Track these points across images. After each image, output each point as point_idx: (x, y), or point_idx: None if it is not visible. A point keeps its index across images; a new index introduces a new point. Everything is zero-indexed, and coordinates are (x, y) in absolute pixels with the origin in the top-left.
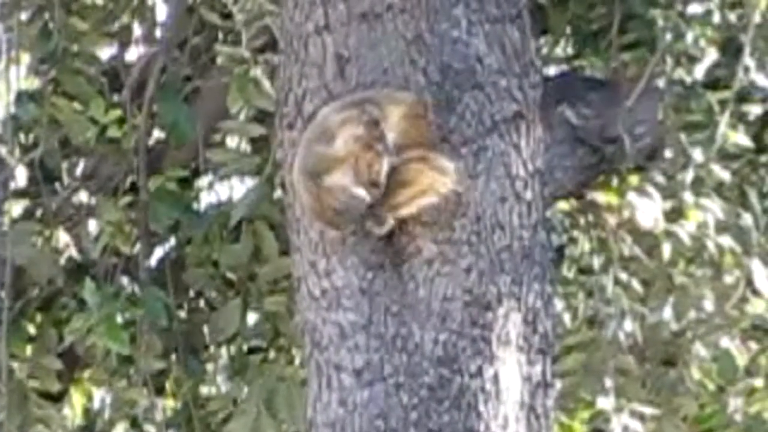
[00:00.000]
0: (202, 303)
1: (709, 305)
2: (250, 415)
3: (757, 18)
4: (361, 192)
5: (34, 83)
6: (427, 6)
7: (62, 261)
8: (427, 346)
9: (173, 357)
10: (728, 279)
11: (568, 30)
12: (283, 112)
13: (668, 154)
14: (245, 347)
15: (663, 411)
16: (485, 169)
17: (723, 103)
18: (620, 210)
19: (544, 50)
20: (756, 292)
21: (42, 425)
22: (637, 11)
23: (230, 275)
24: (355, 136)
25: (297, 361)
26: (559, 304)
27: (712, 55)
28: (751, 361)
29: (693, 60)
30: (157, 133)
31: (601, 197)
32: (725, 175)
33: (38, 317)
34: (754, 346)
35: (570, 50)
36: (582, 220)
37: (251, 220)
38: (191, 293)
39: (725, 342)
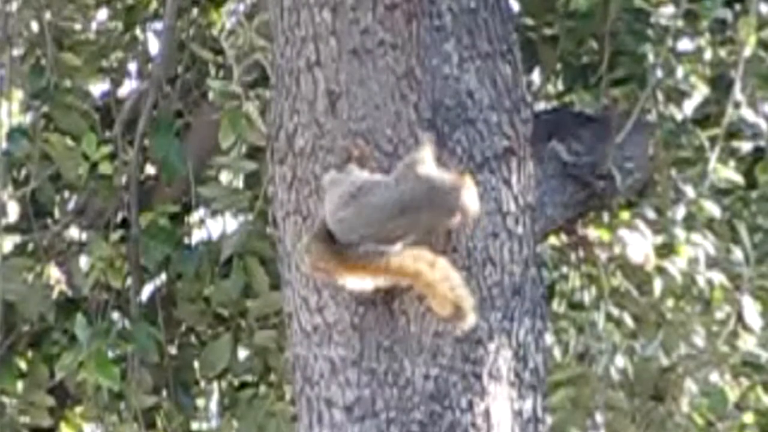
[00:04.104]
0: (192, 338)
1: (699, 340)
2: None
3: (747, 54)
4: None
5: (26, 119)
6: (418, 42)
7: (53, 296)
8: (418, 382)
9: (164, 392)
10: (719, 314)
11: (559, 65)
12: (275, 147)
13: (659, 189)
14: (236, 382)
15: None
16: None
17: (713, 139)
18: (611, 245)
19: (535, 86)
20: (746, 328)
21: None
22: (628, 47)
23: (221, 310)
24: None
25: (287, 397)
26: (549, 339)
27: (702, 91)
28: (741, 396)
29: (683, 96)
30: (149, 169)
31: (592, 233)
32: (716, 211)
33: (29, 353)
34: (744, 381)
35: (560, 86)
36: (573, 256)
37: (242, 256)
38: (182, 328)
39: (715, 377)
